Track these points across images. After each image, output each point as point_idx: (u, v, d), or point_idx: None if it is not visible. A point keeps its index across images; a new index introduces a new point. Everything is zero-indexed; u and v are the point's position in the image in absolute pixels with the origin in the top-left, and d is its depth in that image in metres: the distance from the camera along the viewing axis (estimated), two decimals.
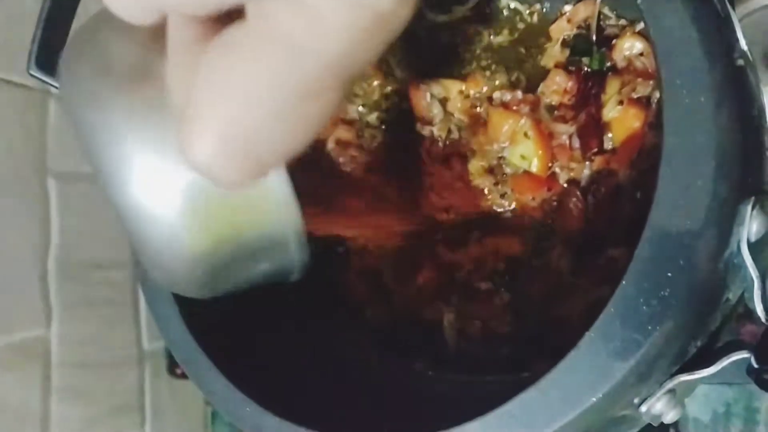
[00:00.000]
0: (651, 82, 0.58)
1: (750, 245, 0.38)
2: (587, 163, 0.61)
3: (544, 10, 0.66)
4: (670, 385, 0.39)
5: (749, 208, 0.38)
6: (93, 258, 0.82)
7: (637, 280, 0.37)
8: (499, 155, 0.65)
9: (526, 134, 0.62)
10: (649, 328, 0.37)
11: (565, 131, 0.61)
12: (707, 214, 0.37)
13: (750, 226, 0.38)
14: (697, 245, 0.37)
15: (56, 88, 0.58)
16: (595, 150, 0.60)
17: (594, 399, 0.38)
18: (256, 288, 0.67)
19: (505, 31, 0.67)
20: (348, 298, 0.70)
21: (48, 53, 0.57)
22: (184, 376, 0.91)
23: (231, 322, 0.60)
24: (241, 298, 0.64)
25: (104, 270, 0.83)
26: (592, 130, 0.59)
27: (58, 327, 0.76)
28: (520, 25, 0.67)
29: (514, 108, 0.63)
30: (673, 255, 0.37)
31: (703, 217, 0.37)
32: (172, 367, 0.88)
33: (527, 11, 0.67)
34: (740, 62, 0.41)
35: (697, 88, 0.38)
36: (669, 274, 0.37)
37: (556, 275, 0.62)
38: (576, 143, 0.61)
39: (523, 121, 0.62)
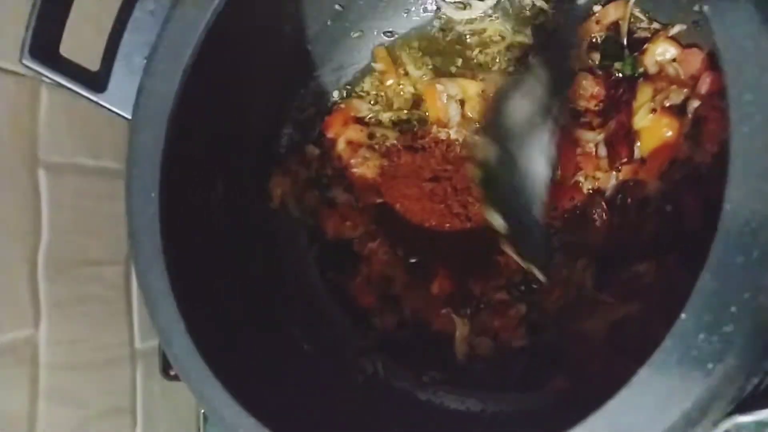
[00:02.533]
0: (685, 90, 0.55)
1: None
2: (614, 172, 0.58)
3: (572, 9, 0.63)
4: (726, 425, 0.36)
5: None
6: (85, 254, 0.78)
7: (698, 314, 0.35)
8: None
9: None
10: (710, 366, 0.34)
11: (592, 138, 0.58)
12: None
13: None
14: (765, 276, 0.34)
15: (49, 78, 0.54)
16: (624, 159, 0.57)
17: None
18: (262, 294, 0.65)
19: (528, 31, 0.64)
20: (356, 305, 0.67)
21: (43, 42, 0.53)
22: (177, 377, 0.87)
23: (235, 331, 0.57)
24: (246, 306, 0.61)
25: (96, 267, 0.80)
26: (622, 138, 0.56)
27: (47, 326, 0.72)
28: (545, 25, 0.64)
29: None
30: (738, 287, 0.34)
31: None
32: (166, 368, 0.85)
33: (552, 10, 0.63)
34: None
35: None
36: (733, 309, 0.34)
37: (577, 288, 0.60)
38: (603, 151, 0.58)
39: None
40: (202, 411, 0.94)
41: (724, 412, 0.36)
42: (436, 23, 0.67)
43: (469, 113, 0.64)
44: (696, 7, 0.54)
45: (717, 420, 0.36)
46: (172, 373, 0.85)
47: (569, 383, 0.59)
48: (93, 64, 0.56)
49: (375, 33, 0.69)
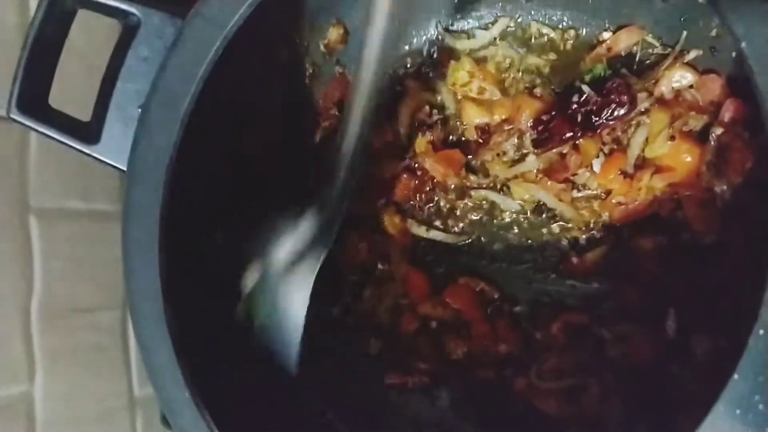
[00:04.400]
0: (704, 117, 0.53)
1: None
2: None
3: (583, 32, 0.61)
4: None
5: None
6: (79, 301, 0.75)
7: (752, 375, 0.32)
8: None
9: None
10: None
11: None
12: None
13: None
14: None
15: (38, 132, 0.52)
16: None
17: None
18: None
19: (540, 54, 0.63)
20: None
21: (31, 95, 0.50)
22: None
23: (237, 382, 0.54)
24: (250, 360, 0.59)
25: (91, 314, 0.76)
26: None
27: (42, 380, 0.69)
28: (552, 56, 0.62)
29: None
30: None
31: None
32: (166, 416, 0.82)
33: (560, 37, 0.61)
34: None
35: None
36: None
37: None
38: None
39: None
40: None
41: None
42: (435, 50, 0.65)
43: None
44: (713, 33, 0.52)
45: None
46: None
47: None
48: (84, 113, 0.53)
49: None
